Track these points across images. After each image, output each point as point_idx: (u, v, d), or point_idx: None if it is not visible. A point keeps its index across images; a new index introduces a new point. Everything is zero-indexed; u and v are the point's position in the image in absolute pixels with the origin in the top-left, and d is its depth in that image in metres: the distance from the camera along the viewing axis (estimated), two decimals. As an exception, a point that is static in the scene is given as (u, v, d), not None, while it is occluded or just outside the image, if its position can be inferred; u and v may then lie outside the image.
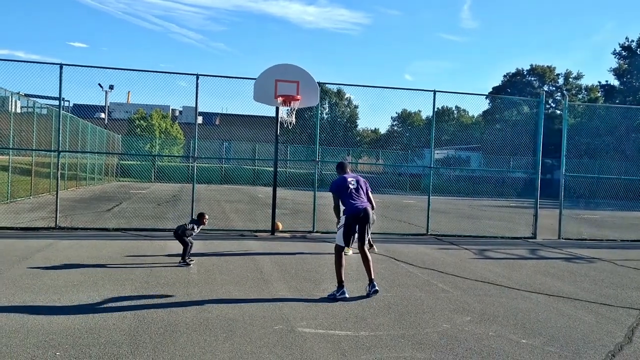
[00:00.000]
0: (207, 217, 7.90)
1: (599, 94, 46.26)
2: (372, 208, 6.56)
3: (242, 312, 5.31)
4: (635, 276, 8.36)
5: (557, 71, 49.78)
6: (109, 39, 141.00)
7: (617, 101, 41.24)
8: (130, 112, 50.02)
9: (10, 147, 15.37)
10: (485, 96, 41.67)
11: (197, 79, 11.11)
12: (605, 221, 18.36)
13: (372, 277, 6.23)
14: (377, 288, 6.18)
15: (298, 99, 10.64)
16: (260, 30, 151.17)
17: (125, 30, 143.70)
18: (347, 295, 6.03)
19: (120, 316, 5.01)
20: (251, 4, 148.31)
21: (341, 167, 6.78)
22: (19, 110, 19.24)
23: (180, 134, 45.18)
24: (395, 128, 61.84)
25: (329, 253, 7.92)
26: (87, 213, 13.74)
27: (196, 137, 11.71)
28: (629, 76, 43.45)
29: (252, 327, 4.85)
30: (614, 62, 45.95)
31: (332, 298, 5.98)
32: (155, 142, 39.12)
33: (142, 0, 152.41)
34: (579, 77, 49.80)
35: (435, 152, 17.47)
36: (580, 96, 47.83)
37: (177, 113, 62.56)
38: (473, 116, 60.60)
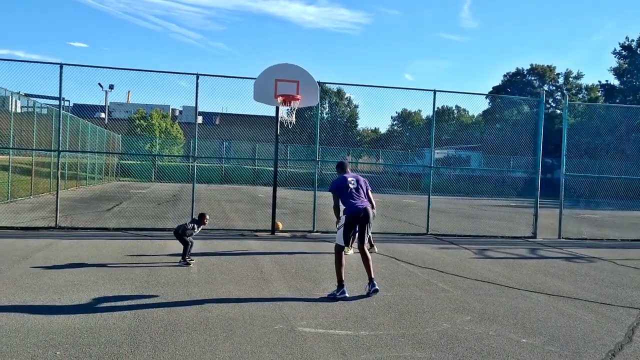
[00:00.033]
0: (208, 217, 7.91)
1: (599, 94, 46.24)
2: (372, 208, 6.56)
3: (242, 312, 5.31)
4: (636, 275, 8.35)
5: (557, 71, 49.82)
6: (109, 39, 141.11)
7: (617, 100, 41.23)
8: (131, 112, 50.05)
9: (11, 146, 15.37)
10: (485, 96, 41.65)
11: (197, 78, 11.10)
12: (605, 221, 18.36)
13: (372, 277, 6.24)
14: (377, 287, 6.18)
15: (298, 99, 10.64)
16: (260, 30, 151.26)
17: (126, 30, 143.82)
18: (347, 295, 6.03)
19: (121, 315, 5.01)
20: (251, 4, 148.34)
21: (341, 167, 6.78)
22: (19, 110, 19.24)
23: (180, 133, 45.18)
24: (396, 128, 61.86)
25: (329, 253, 7.92)
26: (87, 213, 13.74)
27: (196, 136, 11.71)
28: (629, 76, 43.43)
29: (252, 327, 4.85)
30: (614, 62, 45.97)
31: (332, 297, 5.98)
32: (156, 141, 39.14)
33: (143, 0, 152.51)
34: (579, 76, 49.81)
35: (436, 151, 17.47)
36: (580, 96, 47.82)
37: (177, 113, 62.57)
38: (473, 116, 60.62)
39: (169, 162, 37.91)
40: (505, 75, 51.92)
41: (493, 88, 51.89)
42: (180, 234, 7.50)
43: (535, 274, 8.10)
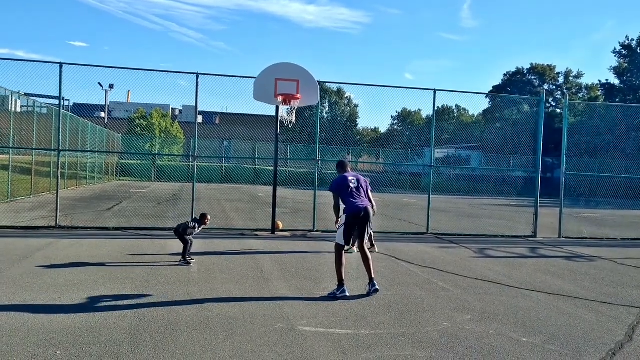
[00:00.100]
0: (209, 217, 7.91)
1: (599, 93, 46.23)
2: (373, 207, 6.55)
3: (243, 311, 5.31)
4: (636, 275, 8.35)
5: (557, 70, 49.81)
6: (109, 39, 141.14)
7: (618, 100, 41.23)
8: (131, 111, 50.04)
9: (11, 146, 15.36)
10: (485, 95, 41.63)
11: (197, 78, 11.10)
12: (605, 220, 18.35)
13: (373, 276, 6.23)
14: (377, 287, 6.17)
15: (298, 98, 10.63)
16: (260, 29, 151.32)
17: (126, 30, 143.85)
18: (347, 294, 6.03)
19: (121, 315, 5.01)
20: (251, 3, 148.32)
21: (341, 166, 6.77)
22: (19, 110, 19.22)
23: (180, 133, 45.15)
24: (396, 127, 61.81)
25: (329, 252, 7.91)
26: (88, 212, 13.74)
27: (196, 136, 11.71)
28: (629, 75, 43.42)
29: (253, 326, 4.85)
30: (614, 61, 45.90)
31: (332, 297, 5.98)
32: (156, 141, 39.11)
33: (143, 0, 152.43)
34: (579, 75, 49.81)
35: (436, 151, 17.48)
36: (580, 95, 47.81)
37: (177, 112, 62.56)
38: (473, 115, 60.57)
39: (169, 161, 37.90)
40: (505, 75, 51.95)
41: (493, 87, 51.89)
42: (181, 232, 7.50)
43: (535, 273, 8.10)
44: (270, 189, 12.33)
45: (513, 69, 51.22)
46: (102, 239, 9.51)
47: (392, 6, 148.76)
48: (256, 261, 7.99)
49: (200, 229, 7.78)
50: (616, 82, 44.84)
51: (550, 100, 46.52)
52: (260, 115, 20.87)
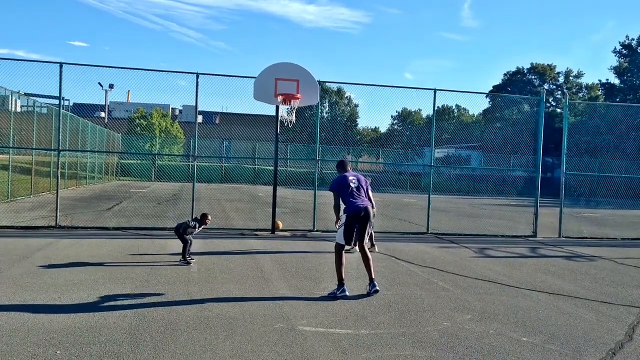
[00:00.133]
0: (210, 217, 7.91)
1: (599, 93, 46.22)
2: (372, 207, 6.55)
3: (243, 311, 5.31)
4: (636, 274, 8.35)
5: (557, 70, 49.78)
6: (109, 38, 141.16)
7: (618, 99, 41.22)
8: (130, 111, 50.02)
9: (11, 146, 15.36)
10: (485, 95, 41.58)
11: (197, 77, 11.10)
12: (605, 219, 18.35)
13: (373, 277, 6.23)
14: (377, 288, 6.16)
15: (298, 98, 10.63)
16: (260, 29, 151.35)
17: (126, 30, 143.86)
18: (347, 294, 6.03)
19: (121, 315, 5.01)
20: (251, 3, 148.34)
21: (342, 166, 6.75)
22: (19, 109, 19.22)
23: (180, 132, 45.14)
24: (396, 127, 61.78)
25: (329, 252, 7.91)
26: (88, 212, 13.74)
27: (196, 136, 11.71)
28: (629, 74, 43.41)
29: (253, 326, 4.85)
30: (614, 61, 45.88)
31: (332, 296, 5.98)
32: (156, 141, 39.11)
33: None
34: (579, 75, 49.79)
35: (436, 150, 17.46)
36: (580, 94, 47.80)
37: (177, 112, 62.53)
38: (473, 115, 60.56)
39: (169, 161, 37.90)
40: (505, 74, 51.94)
41: (493, 87, 51.88)
42: (182, 232, 7.49)
43: (535, 272, 8.09)
44: (270, 188, 12.32)
45: (513, 69, 51.23)
46: (102, 238, 9.51)
47: (392, 6, 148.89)
48: (256, 261, 7.99)
49: (200, 228, 7.78)
50: (616, 81, 44.84)
51: (550, 100, 46.52)
52: (260, 115, 20.87)
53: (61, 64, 10.50)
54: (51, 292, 5.72)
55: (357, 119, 52.15)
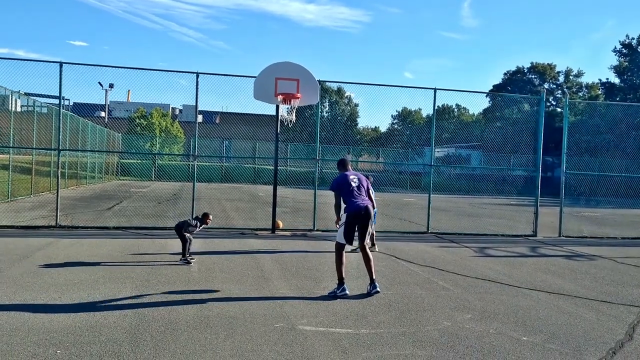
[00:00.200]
0: (211, 217, 7.90)
1: (599, 92, 46.21)
2: (373, 207, 6.54)
3: (243, 310, 5.31)
4: (636, 273, 8.35)
5: (557, 69, 49.77)
6: (109, 38, 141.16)
7: (618, 99, 41.21)
8: (131, 111, 50.00)
9: (11, 145, 15.36)
10: (485, 94, 41.53)
11: (197, 77, 11.10)
12: (605, 219, 18.35)
13: (374, 277, 6.22)
14: (378, 289, 6.15)
15: (298, 97, 10.63)
16: (260, 28, 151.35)
17: (126, 29, 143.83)
18: (347, 293, 6.03)
19: (121, 314, 5.01)
20: (251, 2, 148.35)
21: (342, 165, 6.74)
22: (19, 109, 19.22)
23: (180, 132, 45.12)
24: (396, 126, 61.76)
25: (329, 251, 7.91)
26: (88, 212, 13.74)
27: (196, 135, 11.71)
28: (629, 74, 43.42)
29: (253, 325, 4.85)
30: (614, 60, 45.87)
31: (332, 296, 5.98)
32: (156, 140, 39.10)
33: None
34: (579, 74, 49.78)
35: (436, 150, 17.46)
36: (580, 94, 47.79)
37: (177, 111, 62.51)
38: (473, 114, 60.54)
39: (169, 161, 37.90)
40: (505, 74, 51.94)
41: (493, 86, 51.87)
42: (183, 230, 7.48)
43: (535, 272, 8.09)
44: (270, 188, 12.33)
45: (513, 68, 51.24)
46: (103, 238, 9.51)
47: (392, 5, 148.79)
48: (256, 260, 7.99)
49: (201, 227, 7.78)
50: (616, 81, 44.85)
51: (550, 99, 46.52)
52: (260, 115, 20.87)
53: (61, 64, 10.50)
54: (51, 291, 5.73)
55: (357, 119, 52.19)
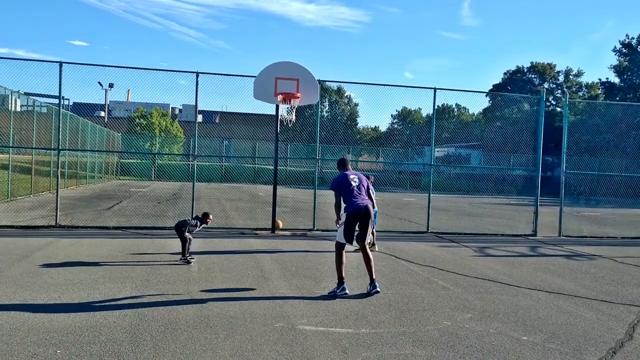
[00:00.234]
0: (211, 217, 7.89)
1: (599, 92, 46.22)
2: (373, 207, 6.54)
3: (243, 310, 5.31)
4: (636, 273, 8.35)
5: (557, 69, 49.78)
6: (109, 38, 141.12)
7: (618, 98, 41.21)
8: (130, 111, 49.97)
9: (10, 145, 15.36)
10: (485, 94, 41.50)
11: (197, 77, 11.09)
12: (605, 218, 18.35)
13: (374, 277, 6.22)
14: (378, 289, 6.14)
15: (298, 97, 10.62)
16: (260, 28, 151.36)
17: (126, 29, 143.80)
18: (347, 292, 6.03)
19: (121, 314, 5.01)
20: (251, 2, 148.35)
21: (342, 164, 6.74)
22: (18, 109, 19.22)
23: (180, 132, 45.10)
24: (396, 126, 61.77)
25: (329, 251, 7.91)
26: (88, 211, 13.73)
27: (196, 135, 11.70)
28: (629, 73, 43.42)
29: (253, 325, 4.85)
30: (614, 60, 45.88)
31: (332, 295, 5.98)
32: (155, 140, 39.09)
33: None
34: (579, 74, 49.78)
35: (436, 149, 17.46)
36: (580, 93, 47.79)
37: (177, 111, 62.48)
38: (473, 114, 60.54)
39: (169, 160, 37.90)
40: (505, 73, 51.93)
41: (493, 86, 51.87)
42: (183, 230, 7.47)
43: (535, 271, 8.09)
44: (270, 188, 12.32)
45: (513, 68, 51.25)
46: (102, 238, 9.51)
47: (391, 5, 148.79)
48: (256, 260, 7.99)
49: (200, 227, 7.77)
50: (616, 80, 44.86)
51: (550, 99, 46.51)
52: (260, 114, 20.89)
53: (61, 63, 10.50)
54: (51, 291, 5.72)
55: (357, 118, 52.16)
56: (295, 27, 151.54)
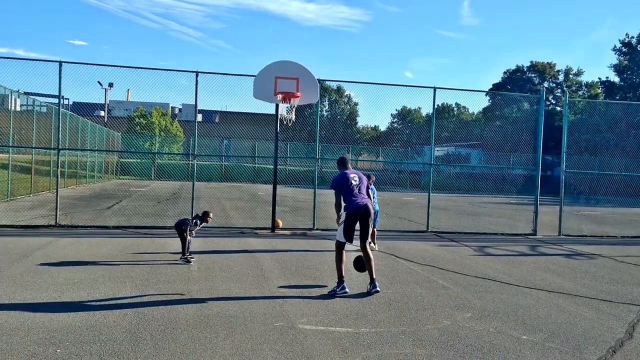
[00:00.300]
0: (211, 216, 7.89)
1: (599, 91, 46.20)
2: (372, 205, 6.54)
3: (243, 309, 5.31)
4: (636, 272, 8.35)
5: (557, 68, 49.75)
6: (109, 37, 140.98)
7: (618, 97, 41.21)
8: (130, 110, 49.94)
9: (10, 145, 15.35)
10: (485, 93, 41.47)
11: (197, 76, 11.09)
12: (605, 218, 18.36)
13: (374, 277, 6.22)
14: (378, 289, 6.14)
15: (298, 96, 10.62)
16: (260, 27, 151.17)
17: (125, 28, 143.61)
18: (347, 291, 6.03)
19: (121, 313, 5.01)
20: (251, 2, 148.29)
21: (342, 163, 6.72)
22: (18, 108, 19.21)
23: (180, 131, 45.07)
24: (395, 125, 61.76)
25: (329, 250, 7.92)
26: (87, 211, 13.73)
27: (196, 134, 11.70)
28: (629, 72, 43.40)
29: (253, 324, 4.85)
30: (614, 59, 45.87)
31: (332, 294, 5.98)
32: (155, 139, 39.08)
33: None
34: (579, 73, 49.76)
35: (436, 149, 17.47)
36: (580, 93, 47.77)
37: (176, 111, 62.45)
38: (473, 113, 60.56)
39: (168, 160, 37.89)
40: (505, 73, 51.91)
41: (493, 85, 51.84)
42: (183, 228, 7.47)
43: (535, 270, 8.09)
44: (270, 187, 12.32)
45: (513, 67, 51.22)
46: (102, 237, 9.51)
47: (391, 4, 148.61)
48: (256, 259, 7.99)
49: (200, 225, 7.77)
50: (616, 79, 44.84)
51: (550, 98, 46.50)
52: (260, 114, 20.90)
53: (60, 63, 10.49)
54: (51, 291, 5.72)
55: (357, 118, 52.17)
56: (294, 27, 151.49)
